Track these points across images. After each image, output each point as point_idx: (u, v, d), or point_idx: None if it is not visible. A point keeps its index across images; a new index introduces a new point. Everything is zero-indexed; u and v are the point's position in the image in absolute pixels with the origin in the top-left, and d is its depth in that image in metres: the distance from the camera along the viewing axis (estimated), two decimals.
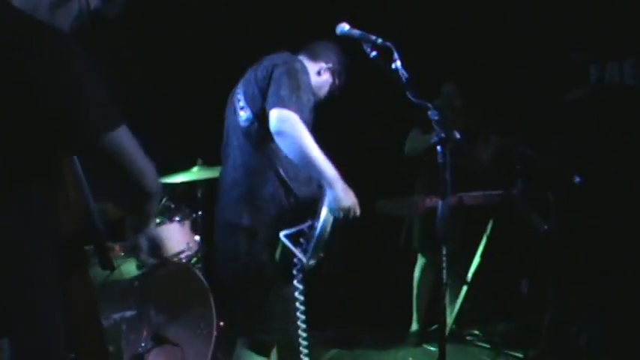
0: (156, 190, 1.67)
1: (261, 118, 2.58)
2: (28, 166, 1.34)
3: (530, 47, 4.97)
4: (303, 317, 2.63)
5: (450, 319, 4.32)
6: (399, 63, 2.46)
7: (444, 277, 2.48)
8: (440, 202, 2.44)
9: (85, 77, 1.36)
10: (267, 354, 2.69)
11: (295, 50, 2.86)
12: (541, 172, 3.65)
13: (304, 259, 2.48)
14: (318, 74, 2.86)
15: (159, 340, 3.41)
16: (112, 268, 1.89)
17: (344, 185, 2.55)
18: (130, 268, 3.33)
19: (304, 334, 2.66)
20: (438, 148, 2.43)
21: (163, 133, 4.31)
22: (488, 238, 4.06)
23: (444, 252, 2.46)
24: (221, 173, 2.83)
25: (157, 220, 3.90)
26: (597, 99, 4.61)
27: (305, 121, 2.49)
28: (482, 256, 4.06)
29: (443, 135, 2.41)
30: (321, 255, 2.53)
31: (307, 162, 2.49)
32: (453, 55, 4.73)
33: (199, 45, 4.64)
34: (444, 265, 2.46)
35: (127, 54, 4.31)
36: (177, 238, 3.84)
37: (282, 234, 2.49)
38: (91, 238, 1.74)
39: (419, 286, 4.60)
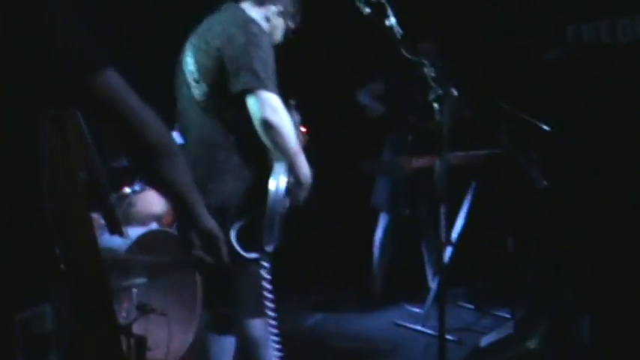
0: (164, 147, 1.36)
1: (216, 91, 2.41)
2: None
3: (506, 8, 4.94)
4: (272, 307, 2.55)
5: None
6: (393, 19, 2.41)
7: (443, 235, 2.48)
8: (437, 160, 2.43)
9: (65, 12, 1.20)
10: (230, 331, 2.62)
11: None
12: (525, 130, 3.65)
13: (248, 255, 2.40)
14: (267, 20, 2.58)
15: (144, 309, 3.34)
16: (121, 234, 1.78)
17: (310, 184, 2.52)
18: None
19: (273, 319, 2.62)
20: (436, 105, 2.40)
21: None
22: (473, 198, 4.06)
23: (443, 210, 2.46)
24: (184, 149, 2.60)
25: (137, 188, 3.84)
26: (574, 58, 4.62)
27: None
28: (466, 216, 4.06)
29: (440, 92, 2.38)
30: (277, 240, 2.41)
31: (287, 155, 2.40)
32: (428, 16, 4.69)
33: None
34: (443, 223, 2.46)
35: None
36: (157, 202, 3.79)
37: (232, 231, 2.37)
38: (99, 201, 1.61)
39: (382, 247, 4.67)
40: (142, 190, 3.78)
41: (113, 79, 1.25)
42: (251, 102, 2.32)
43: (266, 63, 2.35)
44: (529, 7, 4.81)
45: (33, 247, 1.12)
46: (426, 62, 2.41)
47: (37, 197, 1.17)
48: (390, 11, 2.40)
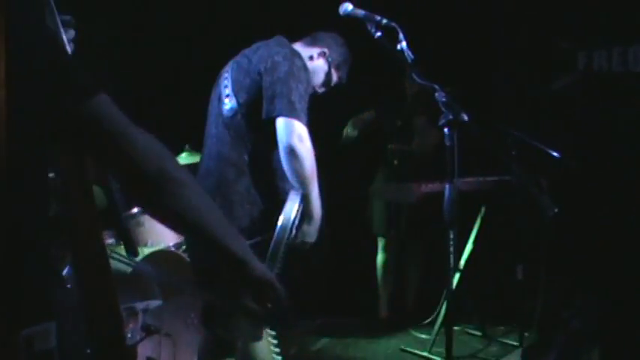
0: (164, 174, 1.25)
1: (245, 110, 2.47)
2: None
3: (517, 34, 4.95)
4: (273, 333, 2.59)
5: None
6: (404, 44, 2.43)
7: (451, 262, 2.46)
8: (447, 186, 2.41)
9: (59, 39, 1.22)
10: (230, 353, 2.60)
11: (293, 36, 2.74)
12: (534, 157, 3.63)
13: None
14: (311, 59, 2.69)
15: (149, 330, 3.32)
16: (136, 254, 1.76)
17: (319, 224, 2.52)
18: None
19: (275, 343, 2.61)
20: (446, 130, 2.39)
21: (150, 118, 4.20)
22: (481, 225, 4.04)
23: (451, 236, 2.44)
24: (199, 162, 2.72)
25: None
26: (584, 86, 4.62)
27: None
28: (474, 243, 4.03)
29: (451, 117, 2.37)
30: (278, 270, 2.33)
31: (305, 185, 2.41)
32: (437, 43, 4.69)
33: (188, 29, 4.55)
34: (451, 249, 2.44)
35: (114, 39, 4.20)
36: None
37: None
38: (113, 220, 1.59)
39: (383, 271, 4.72)
40: None
41: (107, 102, 1.20)
42: (281, 127, 2.36)
43: (302, 96, 2.42)
44: (540, 33, 4.81)
45: (39, 266, 1.12)
46: (436, 87, 2.41)
47: (44, 217, 1.16)
48: (401, 35, 2.42)
